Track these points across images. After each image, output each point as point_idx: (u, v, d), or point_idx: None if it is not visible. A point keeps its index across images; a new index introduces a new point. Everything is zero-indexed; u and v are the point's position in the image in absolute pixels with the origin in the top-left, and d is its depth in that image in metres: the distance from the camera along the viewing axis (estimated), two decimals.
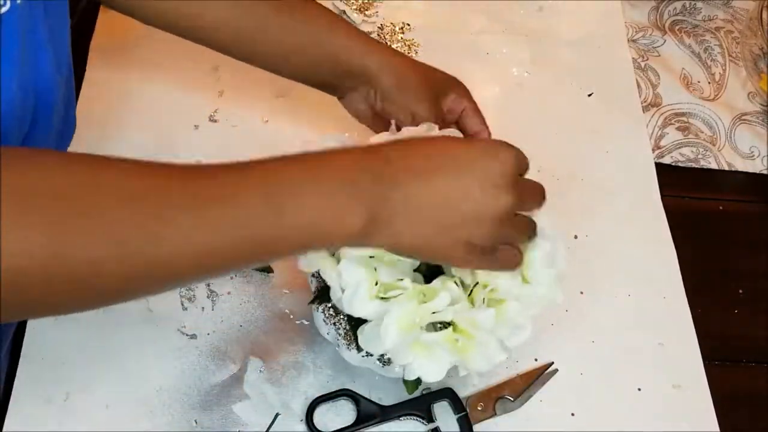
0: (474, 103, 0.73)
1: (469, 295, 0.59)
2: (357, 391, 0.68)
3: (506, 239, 0.55)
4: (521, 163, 0.54)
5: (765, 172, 0.89)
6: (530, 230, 0.58)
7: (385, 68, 0.70)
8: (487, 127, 0.73)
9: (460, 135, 0.73)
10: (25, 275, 0.41)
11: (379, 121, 0.73)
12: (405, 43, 0.94)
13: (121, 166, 0.46)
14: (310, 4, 0.71)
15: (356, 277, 0.58)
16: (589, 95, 0.93)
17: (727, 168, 0.89)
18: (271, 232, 0.47)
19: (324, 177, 0.48)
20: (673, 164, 0.89)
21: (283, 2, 0.69)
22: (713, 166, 0.89)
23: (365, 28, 0.95)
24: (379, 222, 0.49)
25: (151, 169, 0.46)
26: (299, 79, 0.73)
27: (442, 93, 0.72)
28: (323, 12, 0.71)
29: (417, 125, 0.68)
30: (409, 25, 0.96)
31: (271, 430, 0.67)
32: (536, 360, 0.73)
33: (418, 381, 0.64)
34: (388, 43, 0.94)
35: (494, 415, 0.69)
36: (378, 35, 0.94)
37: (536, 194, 0.57)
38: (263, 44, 0.69)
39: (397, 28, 0.95)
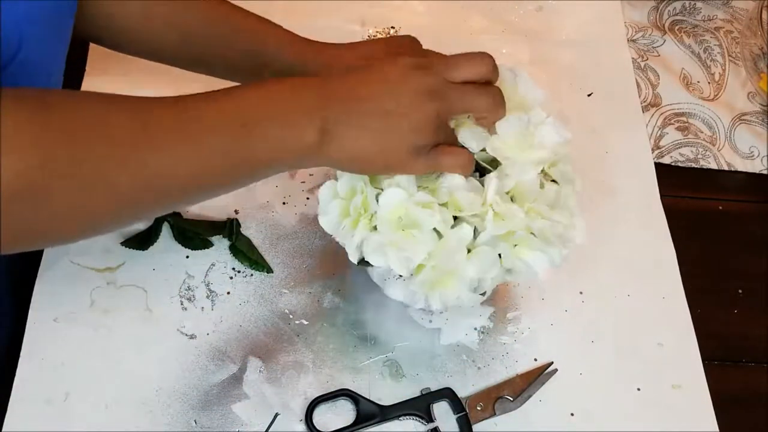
0: None
1: None
2: (356, 391, 0.68)
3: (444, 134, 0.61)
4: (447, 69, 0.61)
5: (765, 172, 0.89)
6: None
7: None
8: None
9: None
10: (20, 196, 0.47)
11: None
12: None
13: (114, 107, 0.53)
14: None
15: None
16: (589, 95, 0.93)
17: (726, 168, 0.89)
18: (243, 154, 0.56)
19: (281, 101, 0.57)
20: (673, 164, 0.89)
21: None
22: (713, 166, 0.89)
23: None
24: (327, 133, 0.57)
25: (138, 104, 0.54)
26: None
27: None
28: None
29: None
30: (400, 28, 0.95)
31: (270, 430, 0.67)
32: (535, 360, 0.73)
33: None
34: None
35: (493, 415, 0.69)
36: (378, 35, 0.94)
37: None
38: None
39: (393, 31, 0.95)
